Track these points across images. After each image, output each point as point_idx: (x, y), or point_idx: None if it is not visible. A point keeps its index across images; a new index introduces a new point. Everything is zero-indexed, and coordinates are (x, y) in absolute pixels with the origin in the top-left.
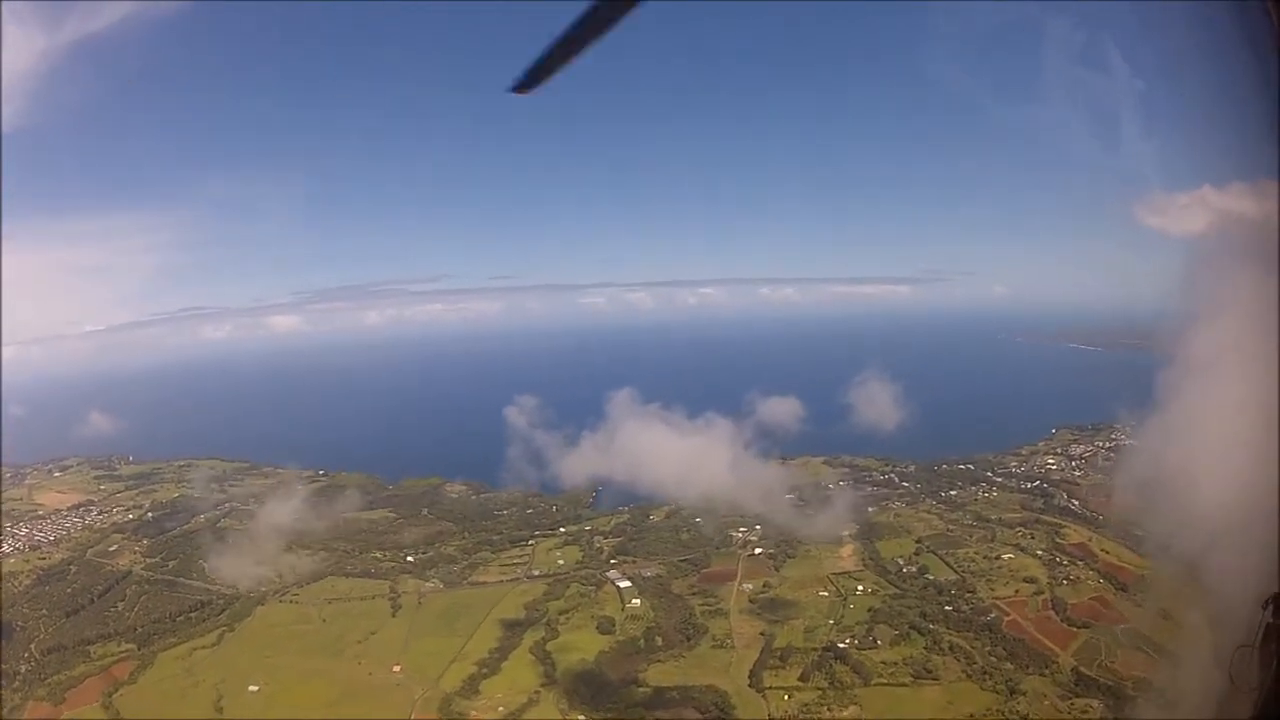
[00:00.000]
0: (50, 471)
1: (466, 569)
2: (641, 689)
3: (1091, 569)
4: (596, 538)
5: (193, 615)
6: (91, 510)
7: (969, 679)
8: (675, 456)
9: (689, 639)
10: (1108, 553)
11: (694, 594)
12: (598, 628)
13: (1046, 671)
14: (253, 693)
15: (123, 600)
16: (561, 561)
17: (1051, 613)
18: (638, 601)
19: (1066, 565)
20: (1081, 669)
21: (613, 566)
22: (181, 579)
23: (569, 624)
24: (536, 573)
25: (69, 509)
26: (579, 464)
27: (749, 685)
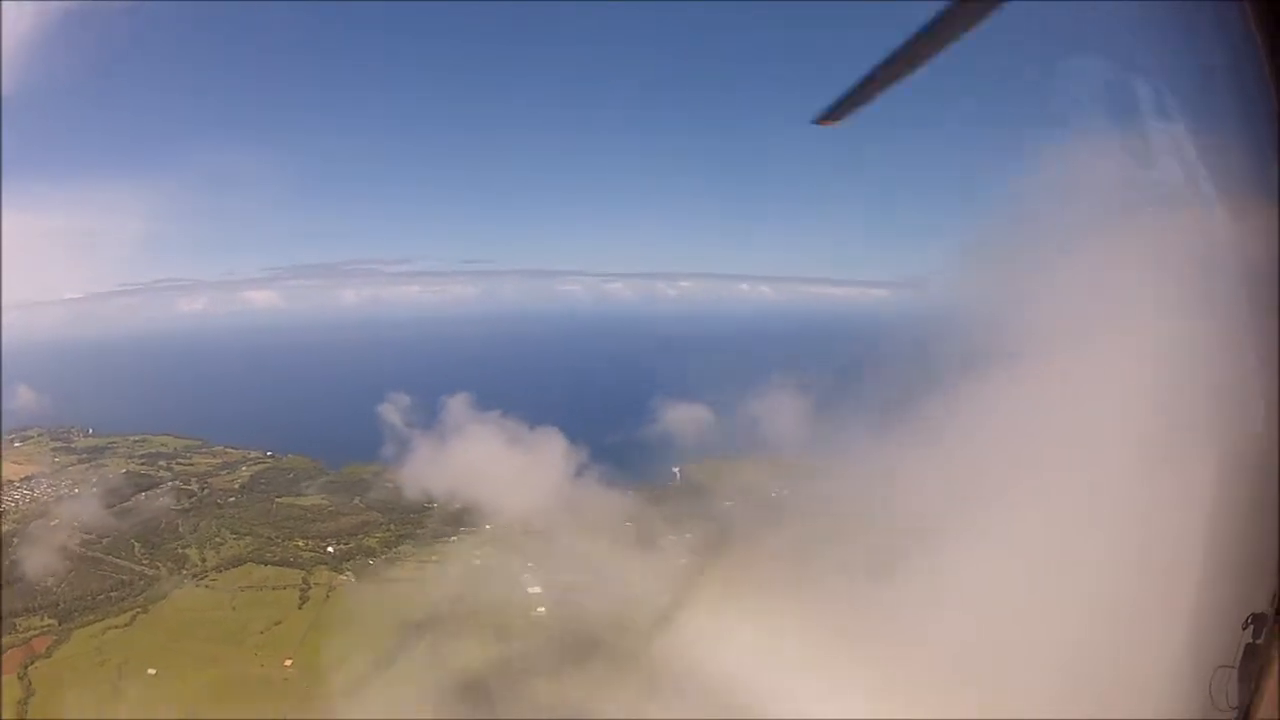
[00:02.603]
0: (12, 441)
1: (384, 563)
2: (526, 704)
3: None
4: (522, 534)
5: (113, 594)
6: (41, 483)
7: None
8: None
9: (589, 650)
10: None
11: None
12: (495, 635)
13: None
14: (150, 676)
15: (53, 576)
16: (478, 563)
17: None
18: (543, 610)
19: None
20: None
21: (529, 568)
22: (110, 556)
23: (466, 628)
24: (451, 571)
25: (20, 481)
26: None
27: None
